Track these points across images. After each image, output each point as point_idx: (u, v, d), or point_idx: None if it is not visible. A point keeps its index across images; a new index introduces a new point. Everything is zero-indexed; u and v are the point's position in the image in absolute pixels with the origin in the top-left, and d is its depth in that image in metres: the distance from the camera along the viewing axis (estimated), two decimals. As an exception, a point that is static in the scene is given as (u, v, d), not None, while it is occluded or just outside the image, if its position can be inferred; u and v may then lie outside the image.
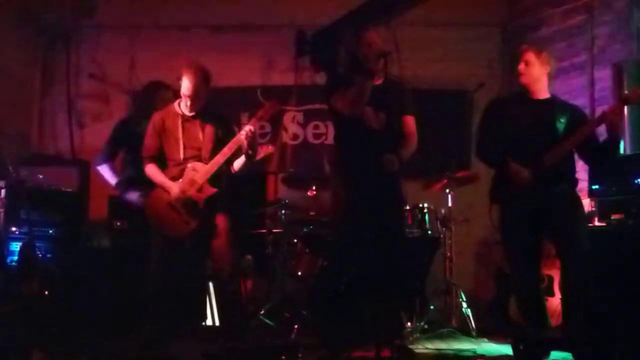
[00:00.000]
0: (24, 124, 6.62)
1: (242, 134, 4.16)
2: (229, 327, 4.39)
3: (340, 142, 4.26)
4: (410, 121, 4.20)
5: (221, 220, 4.29)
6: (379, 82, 4.10)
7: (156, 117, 4.36)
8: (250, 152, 4.23)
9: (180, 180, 4.19)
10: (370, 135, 4.04)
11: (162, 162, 4.34)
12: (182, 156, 4.22)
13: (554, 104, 4.08)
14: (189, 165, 4.19)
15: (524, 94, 4.12)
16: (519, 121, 4.03)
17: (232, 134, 4.27)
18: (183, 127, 4.24)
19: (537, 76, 4.06)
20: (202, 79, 4.22)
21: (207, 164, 4.19)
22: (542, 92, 4.08)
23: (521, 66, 4.07)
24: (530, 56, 4.06)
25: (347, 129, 4.16)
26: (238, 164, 4.33)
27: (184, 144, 4.22)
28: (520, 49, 4.16)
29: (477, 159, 4.46)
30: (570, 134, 3.91)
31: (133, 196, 4.89)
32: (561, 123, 3.97)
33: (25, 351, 3.87)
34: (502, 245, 4.16)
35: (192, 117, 4.27)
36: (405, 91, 4.26)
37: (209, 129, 4.25)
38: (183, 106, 4.29)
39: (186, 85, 4.20)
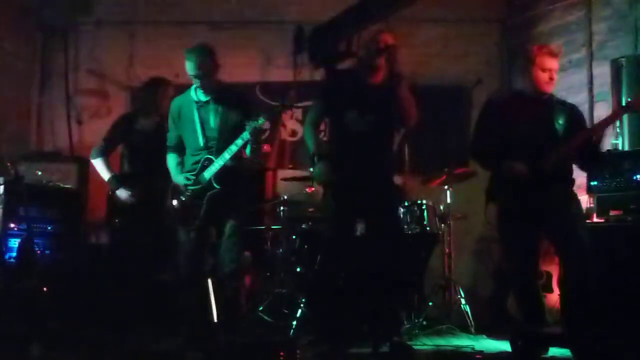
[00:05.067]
0: (22, 120, 6.61)
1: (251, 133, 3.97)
2: (227, 324, 4.34)
3: (329, 141, 4.27)
4: (403, 90, 4.05)
5: (230, 220, 4.14)
6: (377, 82, 4.10)
7: (173, 105, 4.29)
8: (254, 145, 4.11)
9: (193, 172, 4.13)
10: (357, 138, 4.04)
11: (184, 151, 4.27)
12: (201, 144, 4.13)
13: (552, 104, 4.01)
14: (204, 157, 4.10)
15: (524, 93, 4.03)
16: (517, 122, 3.96)
17: (251, 118, 4.00)
18: (199, 114, 4.14)
19: (555, 79, 3.96)
20: (205, 54, 4.08)
21: (219, 154, 4.06)
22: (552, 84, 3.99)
23: (545, 76, 3.90)
24: (554, 63, 3.92)
25: (335, 131, 4.18)
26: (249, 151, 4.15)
27: (202, 132, 4.12)
28: (540, 54, 3.92)
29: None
30: (569, 137, 3.87)
31: (123, 193, 4.89)
32: (560, 124, 3.93)
33: (24, 347, 3.87)
34: (500, 242, 4.16)
35: (207, 102, 4.14)
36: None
37: (225, 115, 4.11)
38: (199, 92, 4.18)
39: (189, 65, 4.06)
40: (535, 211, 3.88)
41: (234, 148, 4.00)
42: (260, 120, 3.96)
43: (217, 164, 4.03)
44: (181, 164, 4.26)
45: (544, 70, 3.92)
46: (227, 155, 4.02)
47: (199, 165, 4.11)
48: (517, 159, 3.88)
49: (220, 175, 4.06)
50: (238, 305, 4.35)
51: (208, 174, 4.06)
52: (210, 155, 4.08)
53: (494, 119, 4.08)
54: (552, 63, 3.93)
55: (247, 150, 4.12)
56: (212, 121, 4.12)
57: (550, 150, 3.86)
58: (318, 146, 4.14)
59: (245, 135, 3.96)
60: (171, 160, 4.29)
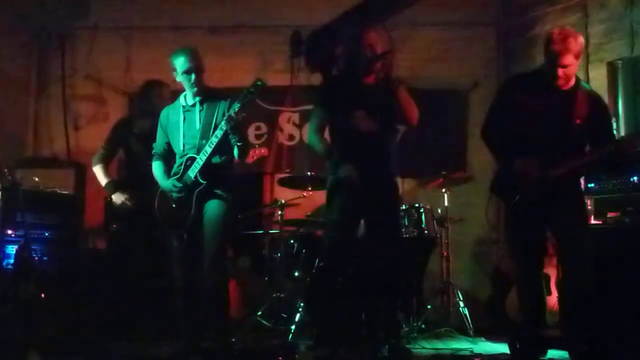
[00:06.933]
0: (19, 126, 6.60)
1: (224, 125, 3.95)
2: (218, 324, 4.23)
3: (333, 145, 4.25)
4: (401, 92, 4.07)
5: (213, 207, 4.07)
6: (372, 81, 4.12)
7: (162, 113, 4.29)
8: (236, 138, 4.02)
9: (178, 174, 4.11)
10: (363, 138, 4.04)
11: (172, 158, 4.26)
12: (182, 148, 4.14)
13: (576, 96, 3.81)
14: (187, 157, 4.09)
15: (548, 77, 3.79)
16: (536, 110, 3.81)
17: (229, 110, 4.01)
18: (184, 118, 4.15)
19: (574, 74, 3.79)
20: (196, 53, 4.15)
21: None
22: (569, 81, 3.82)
23: (560, 72, 3.69)
24: (570, 59, 3.68)
25: (339, 132, 4.18)
26: (237, 152, 4.10)
27: (183, 134, 4.14)
28: (556, 45, 3.67)
29: (472, 153, 4.43)
30: (586, 135, 3.80)
31: (119, 199, 4.88)
32: (578, 124, 3.79)
33: (22, 353, 3.86)
34: (506, 240, 4.12)
35: (193, 105, 4.15)
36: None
37: (208, 116, 4.11)
38: (187, 97, 4.20)
39: (181, 61, 4.09)
40: (542, 208, 3.83)
41: (214, 140, 3.98)
42: (236, 106, 3.93)
43: (200, 160, 4.01)
44: (167, 171, 4.23)
45: (552, 55, 3.71)
46: (208, 149, 3.99)
47: (183, 166, 4.10)
48: (528, 153, 3.79)
49: (205, 170, 4.02)
50: (225, 301, 4.17)
51: (192, 172, 4.03)
52: (194, 155, 4.07)
53: (510, 103, 3.93)
54: (566, 59, 3.70)
55: (235, 153, 4.09)
56: (197, 123, 4.11)
57: (563, 148, 3.78)
58: (332, 150, 4.14)
59: (223, 125, 3.94)
60: (156, 167, 4.27)
